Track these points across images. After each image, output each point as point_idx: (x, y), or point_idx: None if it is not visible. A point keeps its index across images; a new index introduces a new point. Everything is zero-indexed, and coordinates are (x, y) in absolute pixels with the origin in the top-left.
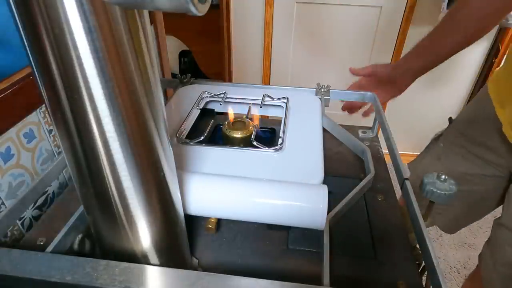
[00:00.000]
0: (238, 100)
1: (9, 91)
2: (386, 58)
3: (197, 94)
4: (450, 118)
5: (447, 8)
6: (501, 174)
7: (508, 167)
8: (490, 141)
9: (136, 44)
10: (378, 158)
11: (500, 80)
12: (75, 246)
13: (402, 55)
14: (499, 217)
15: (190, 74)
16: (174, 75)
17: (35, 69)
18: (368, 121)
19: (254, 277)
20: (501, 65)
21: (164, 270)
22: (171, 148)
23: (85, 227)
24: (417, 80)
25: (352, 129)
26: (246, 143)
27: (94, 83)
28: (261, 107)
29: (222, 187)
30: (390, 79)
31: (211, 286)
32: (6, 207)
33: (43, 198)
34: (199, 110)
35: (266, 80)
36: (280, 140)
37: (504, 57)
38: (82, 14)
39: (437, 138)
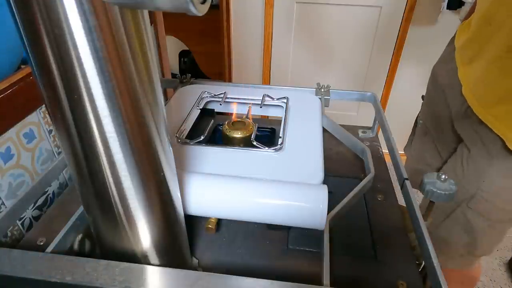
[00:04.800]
0: (238, 100)
1: (9, 91)
2: (386, 58)
3: (197, 94)
4: (422, 96)
5: (447, 8)
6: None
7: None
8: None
9: (136, 44)
10: (378, 158)
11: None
12: (75, 246)
13: (402, 55)
14: None
15: (190, 74)
16: (174, 75)
17: (35, 69)
18: (368, 121)
19: (254, 277)
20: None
21: (164, 270)
22: (171, 148)
23: (85, 227)
24: (417, 80)
25: (352, 129)
26: (246, 143)
27: (94, 83)
28: (261, 107)
29: (222, 187)
30: None
31: (211, 286)
32: (6, 207)
33: (43, 198)
34: (199, 110)
35: (266, 80)
36: (280, 140)
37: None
38: (82, 14)
39: (417, 117)
